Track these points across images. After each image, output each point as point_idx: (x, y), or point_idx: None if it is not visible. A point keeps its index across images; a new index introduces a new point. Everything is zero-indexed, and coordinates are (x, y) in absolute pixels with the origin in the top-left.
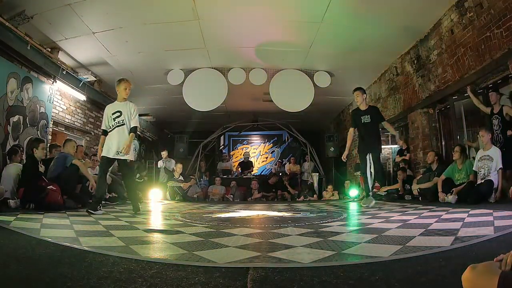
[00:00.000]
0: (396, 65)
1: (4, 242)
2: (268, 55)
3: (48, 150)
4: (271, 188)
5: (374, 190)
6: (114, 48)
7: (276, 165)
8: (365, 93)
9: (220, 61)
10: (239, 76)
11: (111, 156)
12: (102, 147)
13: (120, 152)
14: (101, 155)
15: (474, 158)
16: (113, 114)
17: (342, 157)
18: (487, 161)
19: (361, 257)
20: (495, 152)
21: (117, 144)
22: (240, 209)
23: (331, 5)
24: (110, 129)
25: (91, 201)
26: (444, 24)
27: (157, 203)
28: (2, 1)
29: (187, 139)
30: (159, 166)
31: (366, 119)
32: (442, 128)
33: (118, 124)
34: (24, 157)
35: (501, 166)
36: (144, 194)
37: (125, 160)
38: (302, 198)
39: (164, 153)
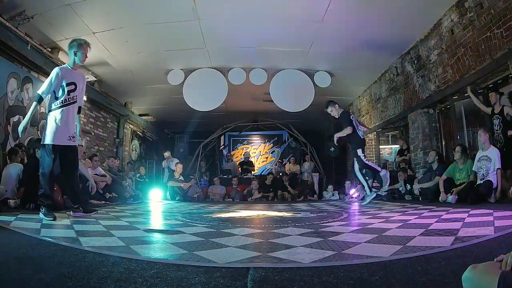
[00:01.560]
0: (396, 65)
1: (4, 242)
2: (268, 55)
3: None
4: (269, 188)
5: (374, 189)
6: (114, 48)
7: (276, 165)
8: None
9: (220, 61)
10: (239, 76)
11: (65, 144)
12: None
13: (73, 137)
14: (51, 143)
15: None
16: (67, 85)
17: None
18: (486, 161)
19: (361, 257)
20: (493, 153)
21: (69, 127)
22: (240, 209)
23: (331, 5)
24: (58, 105)
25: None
26: (444, 24)
27: (157, 203)
28: (2, 1)
29: (187, 139)
30: (163, 166)
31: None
32: (442, 128)
33: (71, 101)
34: (25, 157)
35: (499, 166)
36: (145, 194)
37: (75, 147)
38: (302, 198)
39: (166, 154)
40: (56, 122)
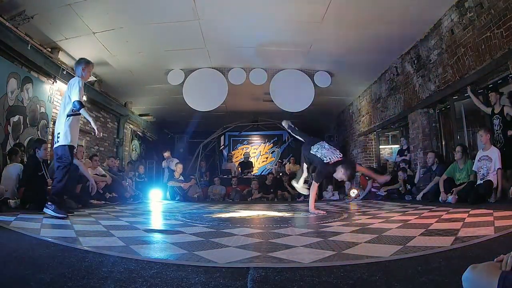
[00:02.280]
0: (396, 65)
1: (4, 242)
2: (268, 55)
3: None
4: (269, 188)
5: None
6: (114, 48)
7: (276, 165)
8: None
9: (220, 61)
10: (239, 76)
11: (75, 146)
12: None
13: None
14: (71, 144)
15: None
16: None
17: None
18: (486, 161)
19: (361, 257)
20: (494, 153)
21: (78, 132)
22: (240, 209)
23: (331, 5)
24: (77, 112)
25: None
26: (444, 24)
27: (157, 203)
28: (2, 1)
29: (187, 139)
30: (163, 166)
31: None
32: (442, 128)
33: None
34: (25, 157)
35: (499, 166)
36: (145, 194)
37: None
38: (302, 198)
39: (166, 154)
40: (75, 127)
